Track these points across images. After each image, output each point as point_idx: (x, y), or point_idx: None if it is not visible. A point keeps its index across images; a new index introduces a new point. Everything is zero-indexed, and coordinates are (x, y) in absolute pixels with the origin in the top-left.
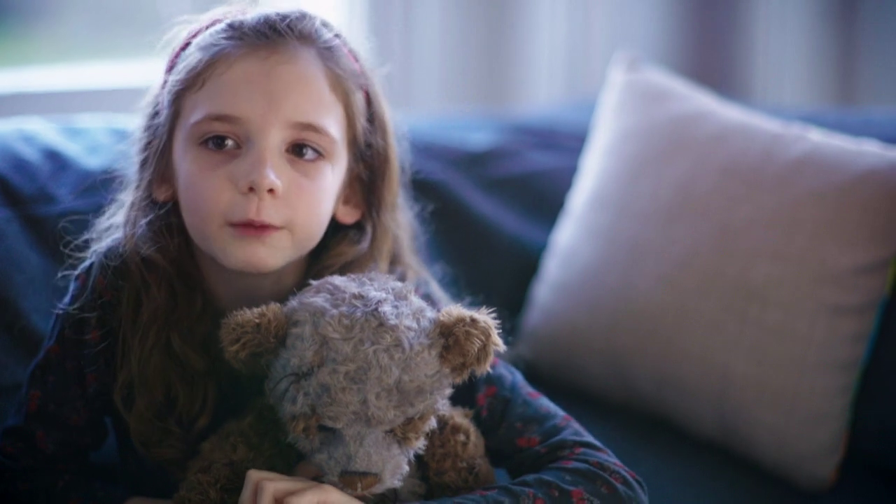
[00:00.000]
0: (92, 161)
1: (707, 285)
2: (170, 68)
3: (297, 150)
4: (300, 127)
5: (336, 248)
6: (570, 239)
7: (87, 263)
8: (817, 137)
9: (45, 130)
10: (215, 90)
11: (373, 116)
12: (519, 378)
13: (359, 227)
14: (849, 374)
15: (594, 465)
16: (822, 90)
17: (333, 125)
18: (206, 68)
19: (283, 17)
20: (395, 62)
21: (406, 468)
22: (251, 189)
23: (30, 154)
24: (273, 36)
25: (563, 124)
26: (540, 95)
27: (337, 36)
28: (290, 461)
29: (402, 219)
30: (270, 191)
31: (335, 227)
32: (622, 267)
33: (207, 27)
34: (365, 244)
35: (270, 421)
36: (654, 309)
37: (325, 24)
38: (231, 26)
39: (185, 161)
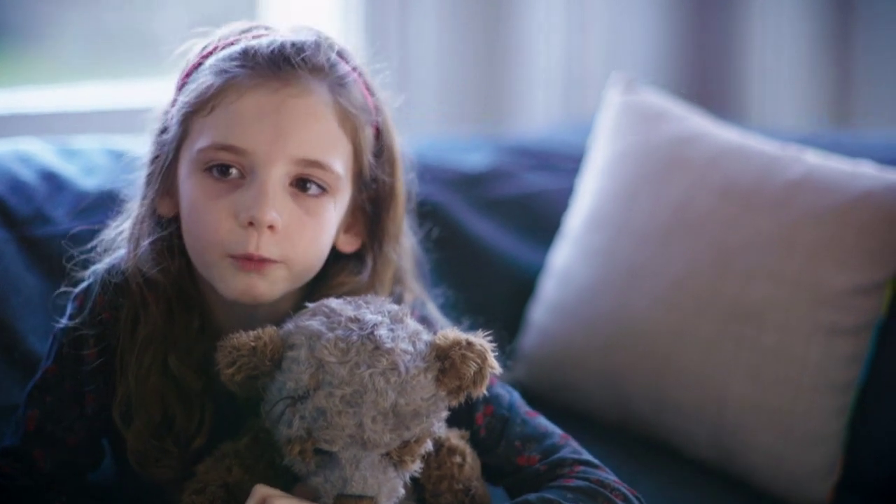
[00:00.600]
0: (88, 182)
1: (703, 306)
2: (181, 86)
3: (300, 184)
4: (305, 163)
5: (336, 279)
6: (566, 260)
7: (84, 284)
8: (814, 159)
9: (41, 151)
10: (224, 118)
11: (381, 151)
12: (516, 397)
13: (359, 256)
14: (845, 396)
15: (595, 482)
16: (819, 112)
17: (339, 162)
18: (217, 94)
19: (298, 50)
20: (391, 84)
21: (402, 491)
22: (251, 223)
23: (26, 175)
24: (286, 67)
25: (559, 145)
26: (536, 117)
27: (353, 68)
28: (285, 484)
29: (405, 244)
30: (270, 226)
31: (335, 255)
32: (619, 288)
33: (222, 47)
34: (365, 275)
35: (266, 443)
36: (650, 330)
37: (341, 54)
38: (245, 53)
39: (188, 185)
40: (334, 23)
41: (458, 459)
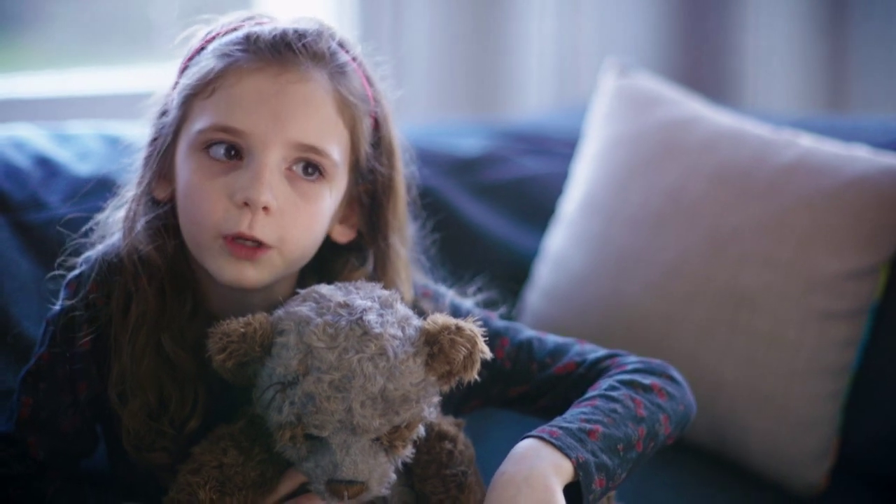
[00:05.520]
0: (82, 167)
1: (697, 292)
2: (183, 69)
3: (296, 168)
4: (302, 148)
5: (341, 275)
6: (561, 245)
7: (77, 271)
8: (808, 143)
9: (35, 137)
10: (224, 101)
11: (379, 142)
12: (518, 323)
13: (360, 249)
14: (839, 380)
15: (642, 362)
16: (813, 96)
17: (336, 149)
18: (217, 77)
19: (300, 36)
20: (385, 71)
21: (393, 476)
22: (246, 204)
23: (20, 160)
24: (287, 53)
25: (553, 130)
26: (530, 102)
27: (353, 58)
28: (280, 467)
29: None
30: (265, 208)
31: (336, 248)
32: (612, 273)
33: (225, 32)
34: (369, 267)
35: (260, 427)
36: (643, 315)
37: (342, 44)
38: (247, 38)
39: (185, 166)
40: (328, 10)
41: (448, 445)
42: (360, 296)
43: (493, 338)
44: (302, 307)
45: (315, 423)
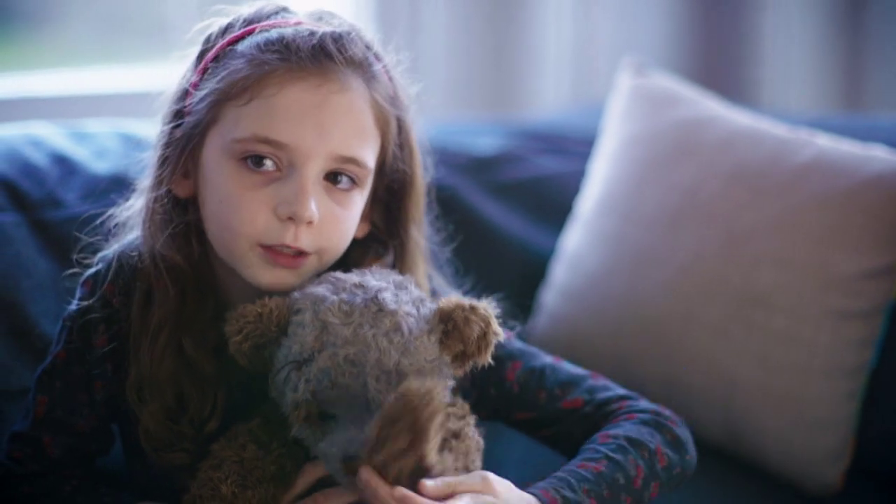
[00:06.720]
0: (99, 166)
1: (712, 291)
2: (204, 69)
3: (332, 177)
4: (342, 159)
5: (362, 265)
6: (577, 244)
7: (93, 270)
8: (825, 142)
9: (52, 135)
10: (263, 111)
11: (403, 142)
12: (535, 349)
13: (379, 240)
14: (855, 380)
15: (652, 413)
16: (830, 95)
17: (371, 156)
18: (255, 85)
19: (339, 45)
20: (401, 69)
21: None
22: (290, 218)
23: (38, 159)
24: (327, 62)
25: (570, 129)
26: (547, 101)
27: (377, 57)
28: (298, 461)
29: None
30: (309, 221)
31: (352, 245)
32: (628, 272)
33: (256, 32)
34: (389, 258)
35: (276, 423)
36: (659, 315)
37: (368, 45)
38: (284, 45)
39: (220, 174)
40: (346, 8)
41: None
42: (375, 278)
43: (507, 359)
44: (318, 288)
45: (330, 398)
